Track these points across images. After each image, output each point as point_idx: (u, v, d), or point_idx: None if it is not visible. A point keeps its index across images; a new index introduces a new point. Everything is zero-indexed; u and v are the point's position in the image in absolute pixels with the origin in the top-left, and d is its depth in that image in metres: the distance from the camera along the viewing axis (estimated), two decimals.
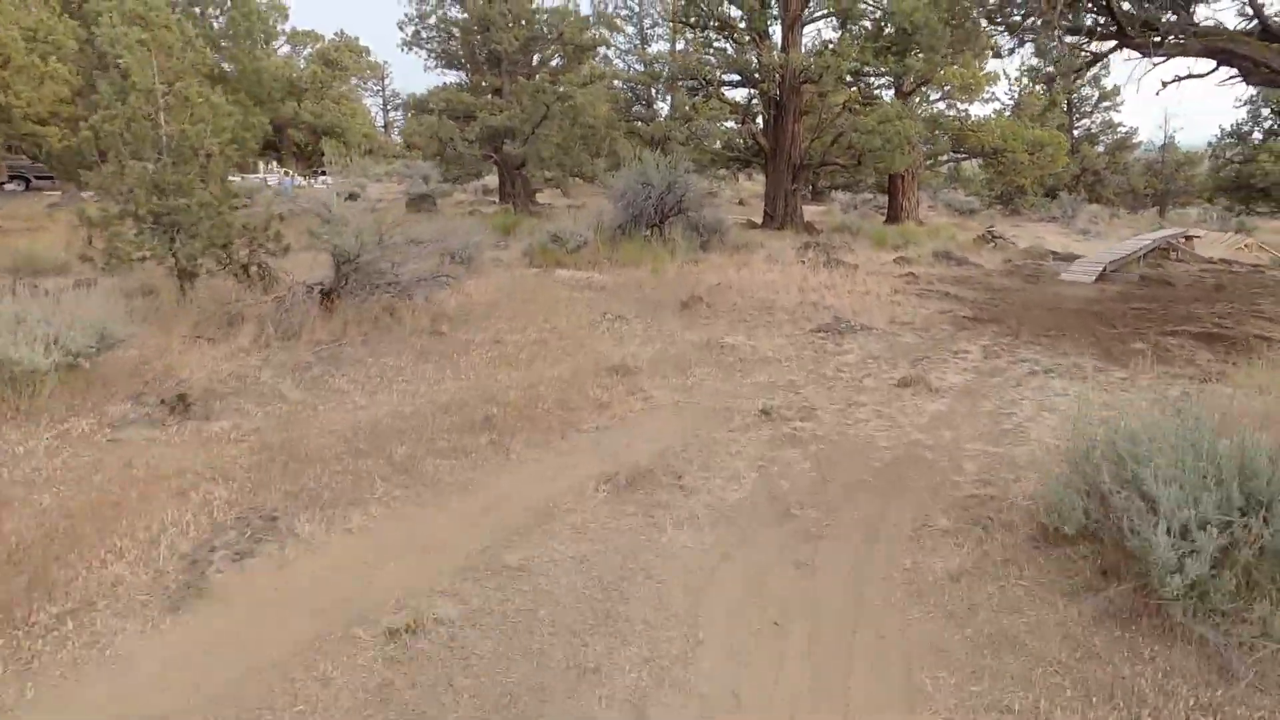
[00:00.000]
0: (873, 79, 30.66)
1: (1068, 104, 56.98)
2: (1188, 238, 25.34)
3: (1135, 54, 15.04)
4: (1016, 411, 7.62)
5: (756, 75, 23.41)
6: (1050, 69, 15.16)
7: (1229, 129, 53.00)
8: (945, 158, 37.35)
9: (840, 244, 20.29)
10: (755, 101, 25.98)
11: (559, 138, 21.42)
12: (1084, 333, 11.04)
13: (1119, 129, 57.54)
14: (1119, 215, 52.31)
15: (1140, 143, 59.39)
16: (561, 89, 21.59)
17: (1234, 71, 14.43)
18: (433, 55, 25.67)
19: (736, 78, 24.47)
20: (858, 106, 25.17)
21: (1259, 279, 16.08)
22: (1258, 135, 52.04)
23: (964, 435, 6.98)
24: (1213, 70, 15.90)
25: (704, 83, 23.31)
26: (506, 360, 9.07)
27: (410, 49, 25.77)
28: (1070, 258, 20.73)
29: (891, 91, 35.52)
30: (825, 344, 10.15)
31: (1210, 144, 53.83)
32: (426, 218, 19.90)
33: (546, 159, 21.61)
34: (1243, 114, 52.60)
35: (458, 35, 24.64)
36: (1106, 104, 57.57)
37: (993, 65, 36.63)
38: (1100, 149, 56.63)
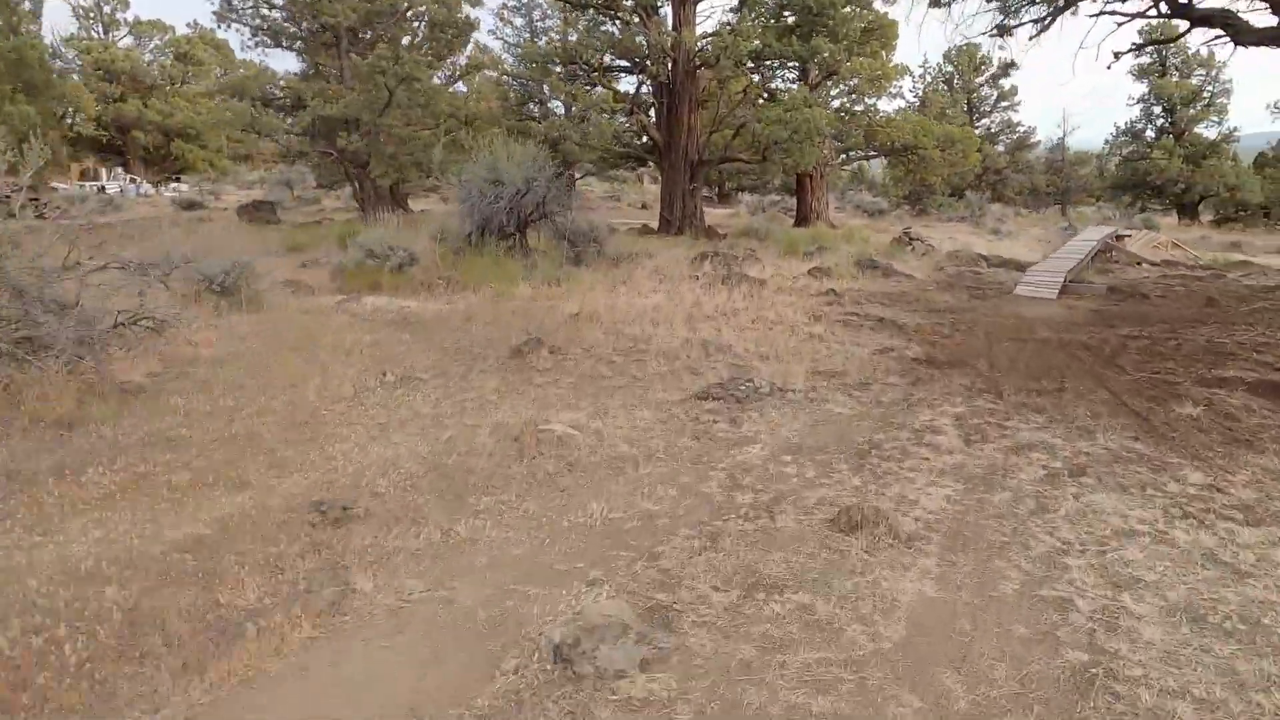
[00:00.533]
0: (776, 67, 27.29)
1: (968, 103, 55.32)
2: (1119, 237, 22.72)
3: (1099, 9, 11.92)
4: (1070, 600, 3.76)
5: (646, 58, 19.59)
6: (1005, 20, 12.12)
7: (1123, 127, 52.08)
8: (856, 154, 34.36)
9: (745, 252, 16.61)
10: (646, 91, 22.26)
11: (405, 130, 17.23)
12: (1089, 382, 7.36)
13: (1018, 128, 56.13)
14: (1022, 213, 50.65)
15: (1038, 142, 58.29)
16: (405, 69, 17.25)
17: (1218, 33, 11.41)
18: (252, 30, 20.86)
19: (624, 64, 20.64)
20: (763, 98, 21.61)
21: (1235, 287, 13.13)
22: (1150, 133, 51.20)
23: (999, 700, 3.11)
24: (1184, 33, 12.93)
25: (586, 67, 19.38)
26: (139, 489, 4.87)
27: (224, 24, 20.88)
28: (1005, 264, 17.66)
29: (796, 85, 32.37)
30: (714, 423, 6.16)
31: (1107, 141, 52.85)
32: (228, 229, 15.41)
33: (390, 155, 17.36)
34: (1136, 112, 51.83)
35: (279, 4, 19.93)
36: (1005, 104, 56.05)
37: (900, 57, 33.78)
38: (1001, 148, 55.10)
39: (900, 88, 45.53)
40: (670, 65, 20.53)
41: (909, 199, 46.45)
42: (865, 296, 11.88)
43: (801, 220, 32.82)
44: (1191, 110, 48.72)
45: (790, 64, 31.29)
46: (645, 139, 21.89)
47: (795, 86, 30.96)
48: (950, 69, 56.03)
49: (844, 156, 34.87)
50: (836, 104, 33.81)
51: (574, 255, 13.36)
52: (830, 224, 32.62)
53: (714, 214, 41.70)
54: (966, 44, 56.41)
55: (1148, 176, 47.93)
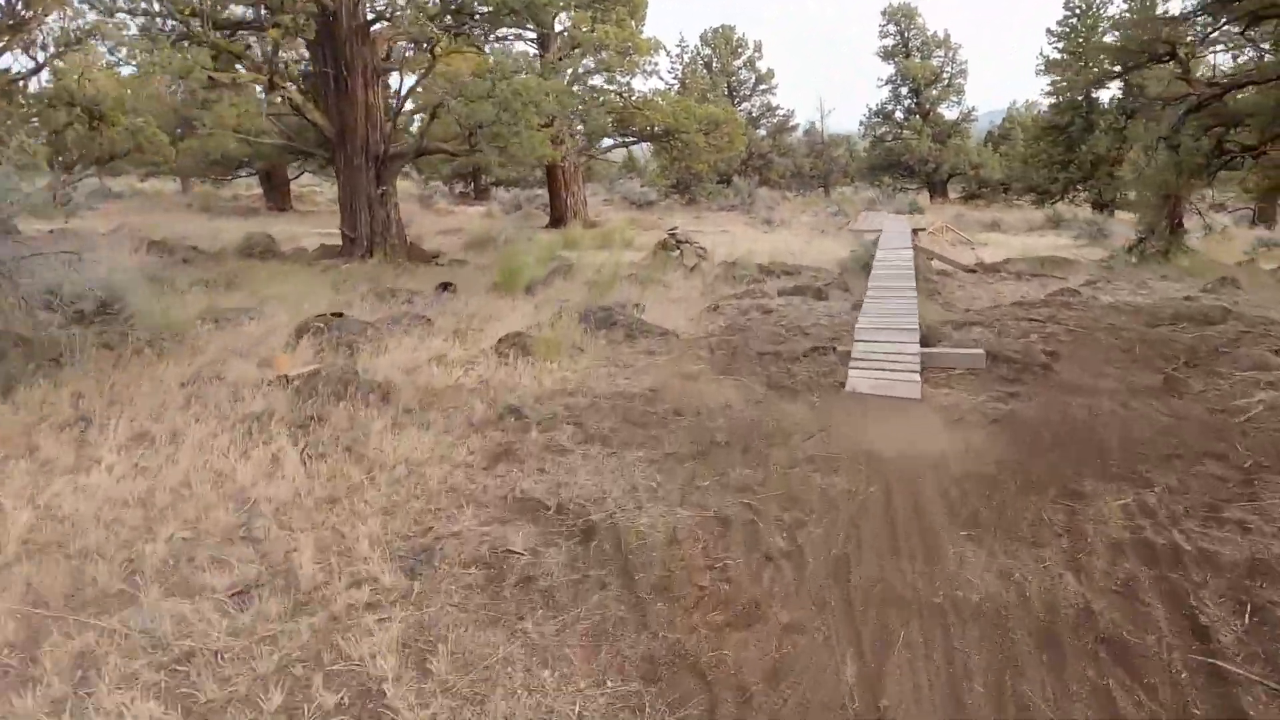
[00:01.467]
0: (498, 34, 20.91)
1: (728, 87, 51.89)
2: (915, 231, 18.58)
3: None
4: None
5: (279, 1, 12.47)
6: None
7: (875, 108, 50.71)
8: (610, 142, 28.77)
9: (426, 300, 10.09)
10: (300, 60, 15.23)
11: None
12: None
13: (778, 111, 53.51)
14: (789, 196, 47.93)
15: (798, 125, 56.14)
16: None
17: None
18: None
19: (250, 13, 13.42)
20: (469, 75, 15.09)
21: (1130, 325, 8.45)
22: (899, 114, 50.15)
23: None
24: None
25: (178, 14, 11.93)
26: None
27: None
28: (798, 287, 12.60)
29: (537, 56, 26.16)
30: None
31: (861, 123, 51.34)
32: None
33: None
34: (885, 93, 50.58)
35: None
36: (764, 87, 53.18)
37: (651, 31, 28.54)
38: (763, 132, 52.20)
39: (656, 66, 40.31)
40: (327, 19, 13.54)
41: (677, 188, 41.95)
42: (572, 415, 5.81)
43: (556, 220, 26.76)
44: (934, 91, 47.97)
45: (526, 31, 25.01)
46: (309, 124, 14.72)
47: (537, 58, 24.67)
48: (708, 51, 52.26)
49: (592, 144, 29.19)
50: (589, 83, 28.02)
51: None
52: (590, 222, 26.82)
53: (461, 215, 34.86)
54: (721, 26, 52.83)
55: (901, 156, 46.63)
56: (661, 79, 54.26)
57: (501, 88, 12.39)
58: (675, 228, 19.47)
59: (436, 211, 36.43)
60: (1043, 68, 37.38)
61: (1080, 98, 36.49)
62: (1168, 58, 15.10)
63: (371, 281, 11.27)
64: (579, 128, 23.86)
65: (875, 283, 8.53)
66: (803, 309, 9.03)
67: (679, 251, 18.17)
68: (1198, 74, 15.00)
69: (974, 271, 12.01)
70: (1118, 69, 15.60)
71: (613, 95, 27.19)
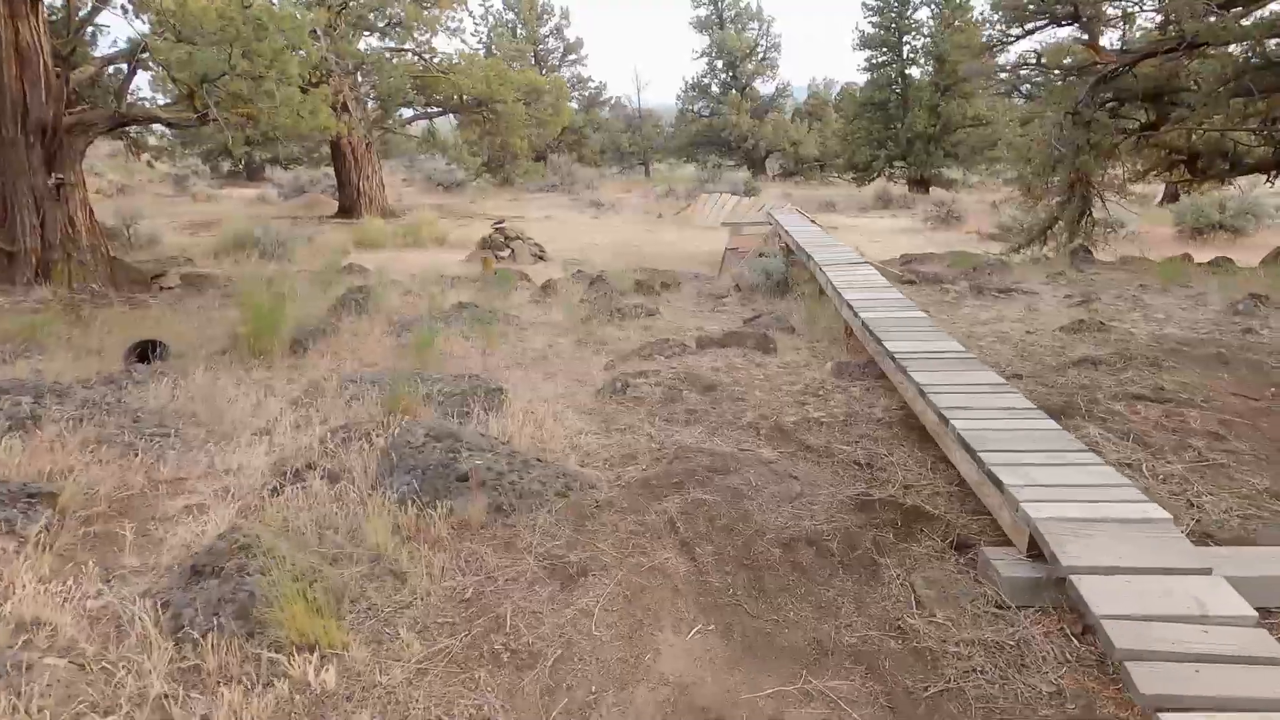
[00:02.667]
0: None
1: (535, 56, 47.53)
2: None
3: None
4: None
5: None
6: None
7: (691, 81, 48.41)
8: (411, 113, 23.83)
9: (82, 404, 5.43)
10: None
11: None
12: None
13: (589, 84, 49.93)
14: (607, 175, 44.70)
15: (611, 98, 52.88)
16: None
17: None
18: None
19: None
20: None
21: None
22: (715, 88, 48.21)
23: None
24: None
25: None
26: None
27: None
28: (672, 284, 9.13)
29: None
30: None
31: (678, 97, 48.89)
32: None
33: None
34: (702, 66, 48.41)
35: None
36: (573, 57, 49.38)
37: None
38: (575, 105, 48.42)
39: (461, 23, 35.50)
40: None
41: (489, 167, 37.27)
42: None
43: (347, 209, 21.58)
44: (750, 65, 46.37)
45: None
46: None
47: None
48: (511, 16, 47.55)
49: (403, 115, 24.18)
50: (376, 43, 22.91)
51: None
52: (388, 210, 21.91)
53: (226, 201, 28.23)
54: None
55: (722, 132, 44.68)
56: (465, 42, 48.86)
57: (227, 33, 7.74)
58: (502, 221, 15.37)
59: (194, 197, 29.50)
60: (858, 43, 36.38)
61: (896, 74, 35.95)
62: (1068, 20, 13.09)
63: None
64: (368, 91, 18.92)
65: (894, 341, 5.10)
66: (779, 383, 5.52)
67: (509, 252, 14.17)
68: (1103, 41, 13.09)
69: (912, 283, 9.11)
70: (1015, 32, 13.44)
71: (409, 55, 22.32)
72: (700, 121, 45.14)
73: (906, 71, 35.50)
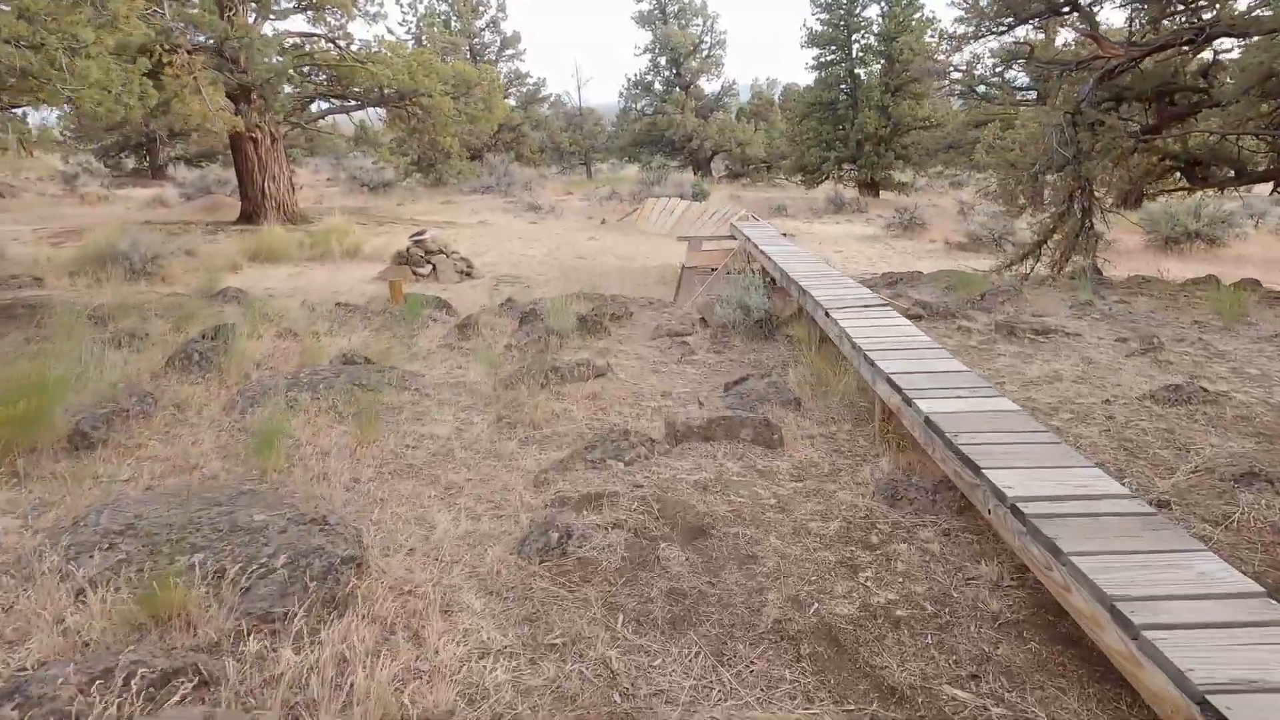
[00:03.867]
0: None
1: (470, 51, 44.91)
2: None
3: None
4: None
5: None
6: None
7: (634, 78, 46.43)
8: (321, 107, 21.26)
9: None
10: None
11: None
12: None
13: (528, 80, 47.54)
14: (546, 175, 42.38)
15: (551, 95, 50.57)
16: None
17: None
18: None
19: None
20: None
21: None
22: (659, 85, 46.36)
23: None
24: None
25: None
26: None
27: None
28: (622, 315, 6.97)
29: None
30: None
31: (621, 94, 46.85)
32: None
33: None
34: (645, 63, 46.46)
35: None
36: (510, 52, 46.89)
37: None
38: (513, 103, 46.02)
39: (382, 8, 32.64)
40: None
41: (420, 166, 34.64)
42: None
43: (249, 214, 18.95)
44: (694, 62, 44.61)
45: None
46: None
47: None
48: (445, 8, 44.81)
49: (292, 106, 21.56)
50: (284, 26, 20.23)
51: None
52: (297, 216, 19.32)
53: (118, 203, 24.98)
54: None
55: (666, 132, 42.82)
56: (391, 31, 45.98)
57: (33, 3, 5.40)
58: (422, 232, 13.08)
59: (83, 199, 26.22)
60: (806, 40, 34.91)
61: (844, 74, 34.59)
62: (1067, 8, 11.50)
63: None
64: (264, 76, 16.38)
65: (1001, 469, 3.11)
66: (801, 514, 3.57)
67: (430, 269, 11.96)
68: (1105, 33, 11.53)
69: (919, 317, 7.26)
70: (1007, 21, 11.80)
71: (321, 41, 19.78)
72: (644, 120, 43.23)
73: (856, 71, 34.16)
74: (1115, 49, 10.91)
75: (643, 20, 43.23)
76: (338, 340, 7.20)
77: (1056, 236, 11.65)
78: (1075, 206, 11.24)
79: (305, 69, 21.37)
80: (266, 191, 18.68)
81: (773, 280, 8.11)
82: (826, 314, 5.63)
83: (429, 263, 12.63)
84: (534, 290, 12.43)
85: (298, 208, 19.34)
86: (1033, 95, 26.94)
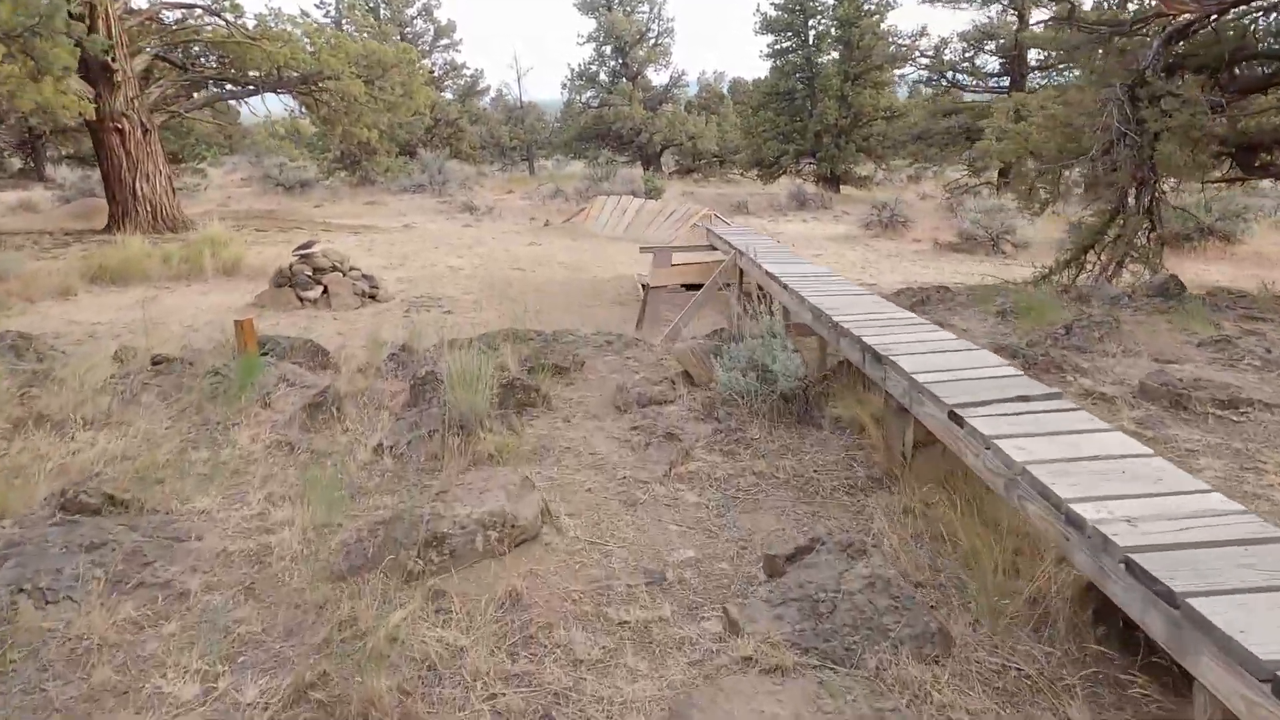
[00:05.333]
0: None
1: (401, 40, 41.46)
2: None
3: None
4: None
5: None
6: None
7: (578, 69, 43.49)
8: (203, 93, 17.95)
9: None
10: None
11: None
12: None
13: (464, 71, 44.23)
14: (486, 172, 39.20)
15: (489, 87, 47.29)
16: None
17: None
18: None
19: None
20: None
21: None
22: (604, 76, 43.53)
23: None
24: None
25: None
26: None
27: None
28: (570, 371, 4.40)
29: None
30: None
31: (564, 85, 43.84)
32: None
33: None
34: (589, 52, 43.56)
35: None
36: (445, 41, 43.51)
37: None
38: (450, 95, 42.76)
39: None
40: None
41: (345, 162, 31.22)
42: None
43: (117, 220, 15.63)
44: (641, 51, 41.90)
45: None
46: None
47: None
48: None
49: (203, 92, 18.30)
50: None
51: None
52: (178, 223, 16.04)
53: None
54: None
55: (614, 125, 40.02)
56: (307, 15, 42.20)
57: None
58: (309, 244, 10.09)
59: None
60: (760, 26, 32.54)
61: (802, 61, 32.28)
62: None
63: None
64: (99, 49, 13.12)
65: None
66: None
67: (320, 291, 9.06)
68: None
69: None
70: None
71: (203, 15, 16.53)
72: (589, 113, 40.43)
73: (813, 58, 31.89)
74: (1185, 4, 8.57)
75: (586, 7, 40.39)
76: (104, 437, 4.34)
77: (1113, 237, 9.29)
78: (1137, 200, 8.89)
79: (194, 49, 18.10)
80: (139, 193, 15.39)
81: (790, 315, 5.47)
82: (956, 418, 2.99)
83: (318, 283, 9.70)
84: (455, 316, 9.61)
85: (179, 213, 16.06)
86: (1006, 81, 25.03)
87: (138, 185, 15.34)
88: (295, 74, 17.33)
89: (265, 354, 6.46)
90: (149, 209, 15.39)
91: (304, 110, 20.27)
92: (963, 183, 25.55)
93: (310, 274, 9.72)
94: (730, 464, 3.90)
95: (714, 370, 4.97)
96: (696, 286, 8.16)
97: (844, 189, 31.40)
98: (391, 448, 4.08)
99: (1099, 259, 9.36)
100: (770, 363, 4.31)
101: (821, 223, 22.33)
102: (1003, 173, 24.51)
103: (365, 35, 30.83)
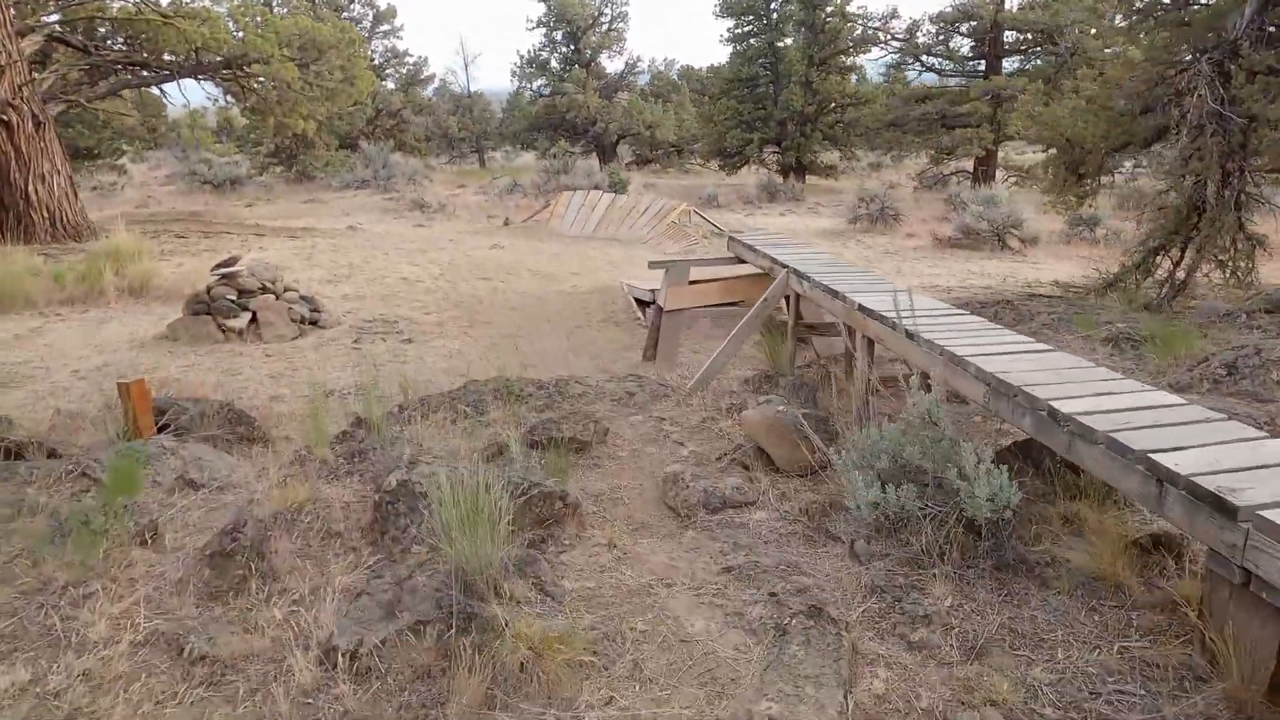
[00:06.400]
0: None
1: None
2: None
3: None
4: None
5: None
6: None
7: (528, 55, 41.30)
8: (110, 80, 15.59)
9: None
10: None
11: None
12: None
13: (407, 59, 41.72)
14: (434, 166, 36.89)
15: (434, 75, 44.73)
16: None
17: None
18: None
19: None
20: None
21: None
22: (555, 63, 41.44)
23: None
24: None
25: None
26: None
27: None
28: (575, 434, 2.96)
29: None
30: None
31: (514, 73, 41.61)
32: None
33: None
34: (539, 37, 41.33)
35: None
36: (386, 27, 40.89)
37: None
38: (392, 85, 40.26)
39: None
40: None
41: (280, 157, 28.68)
42: None
43: (6, 228, 13.29)
44: (594, 37, 39.92)
45: None
46: None
47: None
48: None
49: (110, 79, 15.95)
50: None
51: None
52: (80, 230, 13.75)
53: None
54: None
55: (567, 114, 38.02)
56: None
57: None
58: (231, 260, 8.13)
59: None
60: (720, 9, 30.99)
61: (764, 46, 30.81)
62: None
63: None
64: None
65: None
66: None
67: (248, 319, 7.18)
68: None
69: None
70: None
71: None
72: (541, 102, 38.40)
73: (776, 43, 30.46)
74: None
75: None
76: None
77: (1194, 238, 7.96)
78: (1219, 194, 7.56)
79: (99, 29, 15.71)
80: (33, 197, 13.08)
81: (914, 374, 3.87)
82: None
83: (245, 309, 7.79)
84: (417, 346, 7.82)
85: (83, 218, 13.78)
86: (981, 65, 23.93)
87: (30, 187, 13.03)
88: (218, 57, 15.12)
89: (164, 428, 4.65)
90: (45, 215, 13.10)
91: (230, 100, 18.01)
92: (936, 172, 24.46)
93: (234, 298, 7.80)
94: (937, 675, 2.28)
95: (820, 455, 3.36)
96: (727, 304, 6.56)
97: (809, 179, 30.14)
98: (352, 654, 2.37)
99: (1171, 262, 8.02)
100: (948, 472, 2.71)
101: (799, 216, 20.91)
102: (982, 161, 23.48)
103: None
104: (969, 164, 24.16)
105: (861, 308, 4.28)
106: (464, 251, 13.90)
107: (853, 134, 27.52)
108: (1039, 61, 23.18)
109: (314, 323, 8.33)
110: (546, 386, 5.13)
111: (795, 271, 5.34)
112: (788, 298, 5.67)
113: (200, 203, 22.00)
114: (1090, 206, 10.51)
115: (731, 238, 6.80)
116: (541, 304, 9.90)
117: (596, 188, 20.84)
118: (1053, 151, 10.04)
